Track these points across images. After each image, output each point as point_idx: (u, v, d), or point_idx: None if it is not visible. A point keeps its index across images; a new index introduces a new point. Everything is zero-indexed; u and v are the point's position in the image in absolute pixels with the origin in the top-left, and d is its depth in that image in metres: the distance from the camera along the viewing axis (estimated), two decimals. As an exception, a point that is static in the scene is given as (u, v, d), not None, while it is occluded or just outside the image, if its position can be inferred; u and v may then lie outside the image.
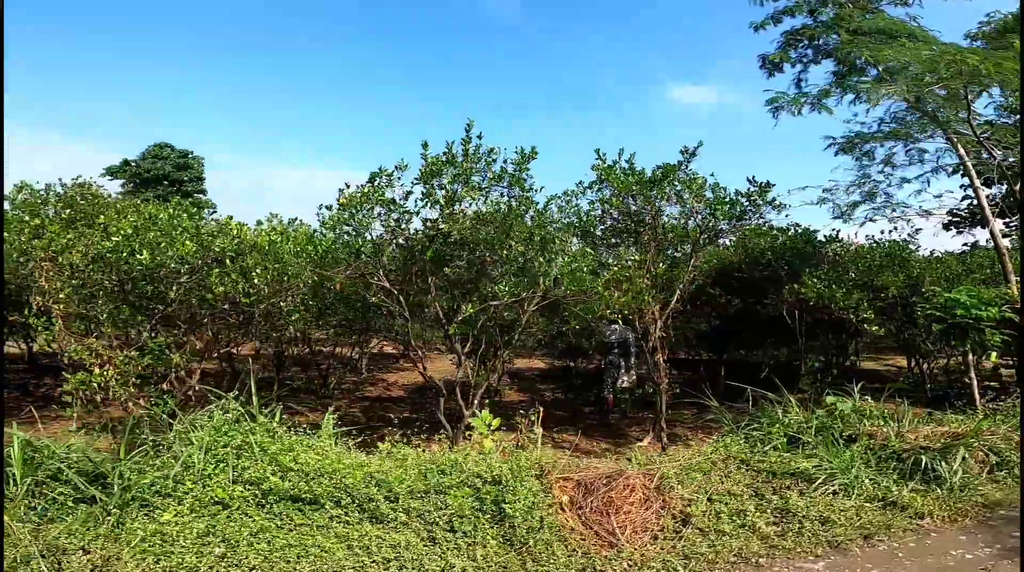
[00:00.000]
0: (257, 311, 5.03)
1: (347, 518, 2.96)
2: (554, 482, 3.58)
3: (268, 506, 2.97)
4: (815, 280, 7.22)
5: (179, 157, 25.49)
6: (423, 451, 3.95)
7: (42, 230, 5.16)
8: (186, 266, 4.68)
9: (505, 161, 4.83)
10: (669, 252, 7.14)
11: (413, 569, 2.68)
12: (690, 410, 7.79)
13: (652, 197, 6.18)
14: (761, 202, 6.29)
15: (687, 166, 6.16)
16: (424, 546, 2.83)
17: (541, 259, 5.08)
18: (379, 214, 4.86)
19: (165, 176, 24.48)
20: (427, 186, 4.79)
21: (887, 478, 4.05)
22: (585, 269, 5.16)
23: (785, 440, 4.68)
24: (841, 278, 7.38)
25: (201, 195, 25.92)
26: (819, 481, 3.88)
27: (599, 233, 6.80)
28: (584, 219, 6.46)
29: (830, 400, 5.64)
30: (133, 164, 24.88)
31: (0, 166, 3.31)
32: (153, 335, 4.98)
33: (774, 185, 6.34)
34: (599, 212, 6.55)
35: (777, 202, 6.34)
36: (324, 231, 4.89)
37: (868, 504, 3.74)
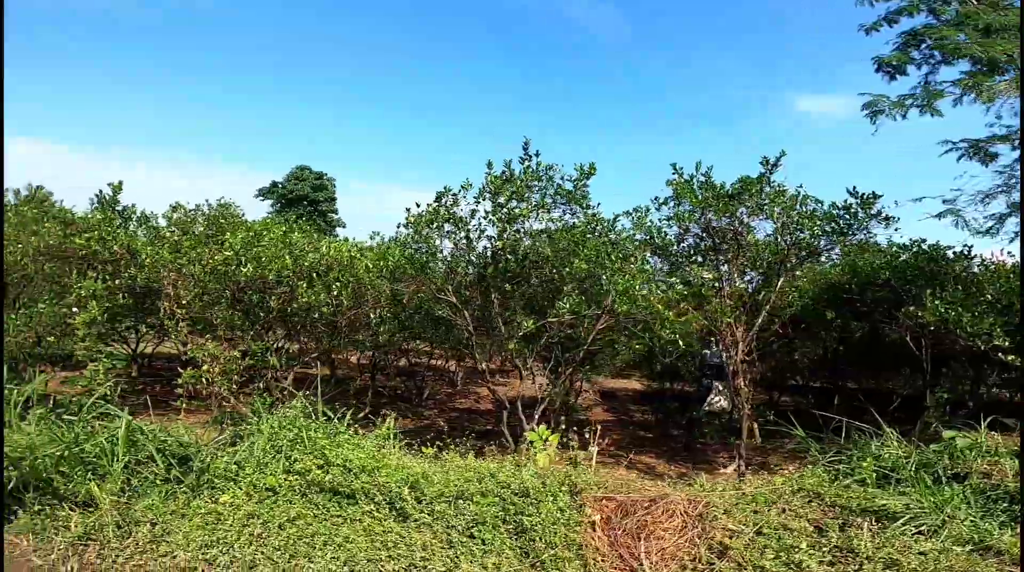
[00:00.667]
0: (342, 321, 5.49)
1: (377, 514, 3.14)
2: (590, 500, 3.52)
3: (309, 496, 3.25)
4: (937, 302, 6.38)
5: (315, 178, 28.27)
6: (477, 460, 4.07)
7: (180, 245, 6.04)
8: (284, 278, 5.24)
9: (563, 178, 4.88)
10: (752, 272, 6.72)
11: (421, 567, 2.79)
12: (792, 440, 7.17)
13: (737, 212, 5.89)
14: (865, 216, 5.75)
15: (770, 178, 5.81)
16: (440, 548, 2.93)
17: (604, 277, 5.04)
18: (448, 231, 5.11)
19: (304, 196, 27.26)
20: (494, 204, 4.97)
21: (990, 521, 3.49)
22: (641, 287, 5.03)
23: (875, 475, 4.20)
24: (972, 300, 6.45)
25: (333, 214, 28.46)
26: (901, 520, 3.44)
27: (675, 251, 6.57)
28: (658, 236, 6.29)
29: (947, 435, 4.97)
30: (279, 185, 28.03)
31: (0, 172, 3.92)
32: (257, 340, 5.61)
33: (880, 196, 5.77)
34: (676, 229, 6.34)
35: (884, 215, 5.76)
36: (398, 247, 5.25)
37: (956, 548, 3.25)
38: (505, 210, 4.91)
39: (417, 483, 3.35)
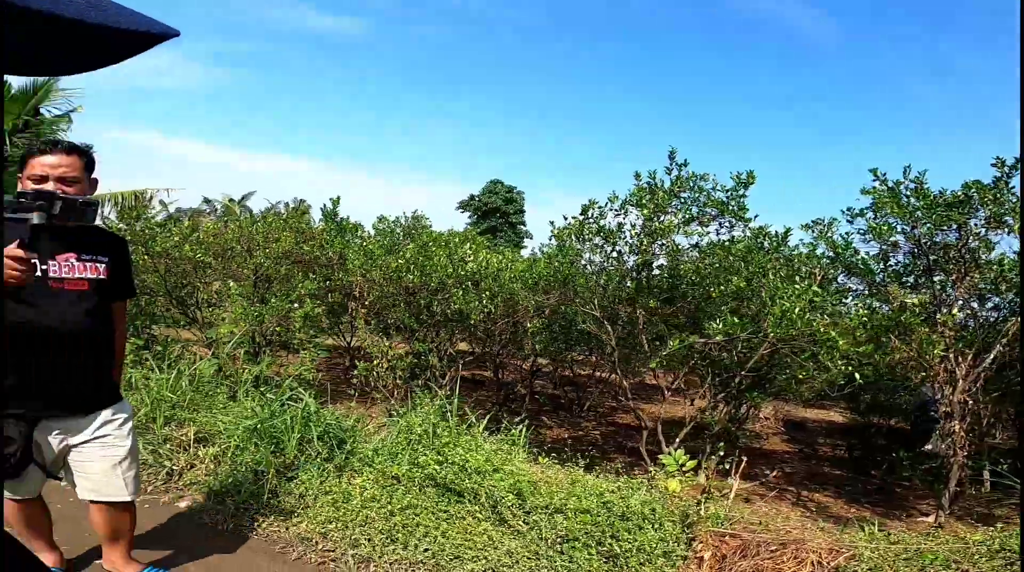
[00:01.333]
0: (495, 328, 5.82)
1: (479, 515, 3.31)
2: (706, 534, 3.26)
3: (425, 489, 3.54)
4: None
5: (507, 191, 29.98)
6: (599, 476, 4.03)
7: (372, 253, 6.98)
8: (443, 285, 5.75)
9: (714, 188, 4.55)
10: (995, 297, 5.45)
11: (501, 571, 2.87)
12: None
13: (969, 224, 4.90)
14: None
15: (1007, 182, 4.71)
16: (525, 557, 2.98)
17: (764, 295, 4.58)
18: (595, 245, 5.11)
19: (496, 209, 29.08)
20: (641, 217, 4.84)
21: None
22: (804, 311, 4.41)
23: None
24: None
25: (522, 226, 29.89)
26: None
27: (877, 269, 5.63)
28: (847, 252, 5.47)
29: None
30: (476, 198, 30.36)
31: (1, 171, 4.68)
32: (423, 340, 6.23)
33: None
34: (875, 245, 5.44)
35: None
36: (543, 259, 5.39)
37: None
38: (651, 223, 4.75)
39: (523, 491, 3.44)
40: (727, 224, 4.72)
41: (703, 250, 4.84)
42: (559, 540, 3.07)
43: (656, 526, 3.16)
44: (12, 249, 1.74)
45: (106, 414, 2.25)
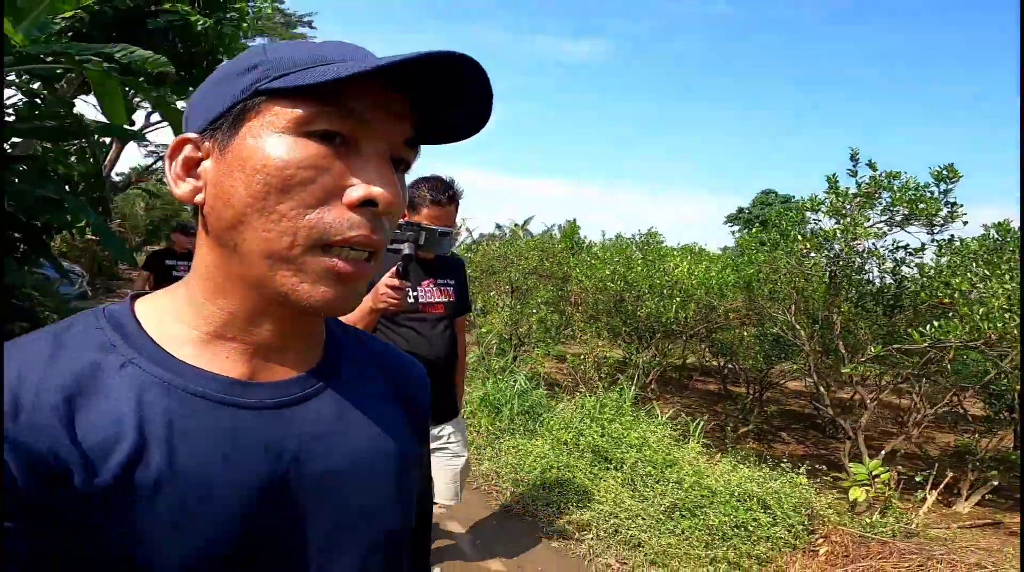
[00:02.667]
0: (693, 332, 6.12)
1: (618, 478, 3.92)
2: (827, 530, 3.30)
3: (584, 453, 4.28)
4: None
5: (781, 202, 27.51)
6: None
7: (594, 266, 7.93)
8: (642, 293, 6.34)
9: (912, 187, 4.22)
10: None
11: (617, 523, 3.45)
12: None
13: None
14: None
15: None
16: (641, 517, 3.49)
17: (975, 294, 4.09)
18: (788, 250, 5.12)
19: (767, 220, 26.84)
20: (837, 219, 4.74)
21: None
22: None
23: None
24: None
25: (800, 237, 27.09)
26: None
27: None
28: None
29: None
30: (745, 211, 28.60)
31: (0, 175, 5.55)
32: (630, 343, 6.86)
33: None
34: None
35: None
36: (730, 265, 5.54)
37: None
38: (841, 225, 4.61)
39: (659, 464, 3.94)
40: (928, 224, 4.30)
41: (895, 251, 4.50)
42: (671, 507, 3.50)
43: (772, 512, 3.33)
44: (389, 278, 1.84)
45: (449, 427, 2.36)
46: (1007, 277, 3.82)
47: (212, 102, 0.50)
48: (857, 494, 3.99)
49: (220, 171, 0.48)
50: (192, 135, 0.50)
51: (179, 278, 2.90)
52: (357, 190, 0.47)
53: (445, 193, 2.16)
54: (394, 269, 1.85)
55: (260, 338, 0.52)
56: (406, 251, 1.84)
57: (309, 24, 18.16)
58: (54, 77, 5.58)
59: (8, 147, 4.64)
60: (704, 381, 11.08)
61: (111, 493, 0.43)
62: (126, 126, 5.88)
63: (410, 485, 0.60)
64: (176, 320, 0.51)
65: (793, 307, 5.14)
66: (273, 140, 0.46)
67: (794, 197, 28.18)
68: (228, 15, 8.33)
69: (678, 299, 5.77)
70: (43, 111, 5.25)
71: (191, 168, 0.50)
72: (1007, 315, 3.63)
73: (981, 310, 3.72)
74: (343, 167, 0.47)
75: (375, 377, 0.61)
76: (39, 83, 5.51)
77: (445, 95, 0.49)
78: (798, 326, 5.02)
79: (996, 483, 5.09)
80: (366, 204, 0.47)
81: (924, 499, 4.50)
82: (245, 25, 8.66)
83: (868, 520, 3.49)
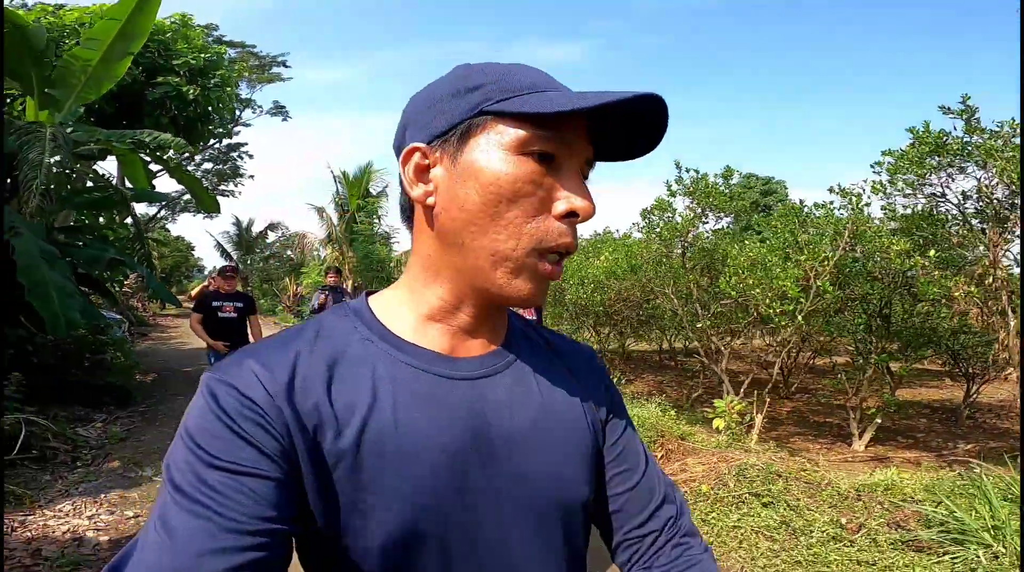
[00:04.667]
0: (614, 312, 7.88)
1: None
2: (666, 439, 5.07)
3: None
4: None
5: (763, 184, 29.29)
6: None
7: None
8: (571, 285, 8.10)
9: (702, 187, 6.00)
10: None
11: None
12: None
13: None
14: None
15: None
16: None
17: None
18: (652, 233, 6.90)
19: (755, 202, 28.69)
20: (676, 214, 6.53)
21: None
22: None
23: None
24: None
25: None
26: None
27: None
28: None
29: None
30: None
31: (1, 169, 5.56)
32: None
33: None
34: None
35: None
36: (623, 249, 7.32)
37: None
38: (683, 218, 6.42)
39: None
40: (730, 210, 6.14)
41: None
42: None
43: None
44: None
45: None
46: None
47: (437, 116, 0.59)
48: (718, 423, 5.70)
49: (453, 179, 0.57)
50: (421, 145, 0.59)
51: (226, 318, 5.47)
52: (564, 203, 0.57)
53: None
54: None
55: (460, 321, 0.62)
56: None
57: (283, 64, 19.90)
58: (93, 157, 7.36)
59: (51, 217, 6.23)
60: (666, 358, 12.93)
61: (354, 442, 0.55)
62: (149, 190, 7.70)
63: (587, 455, 0.66)
64: (398, 306, 0.63)
65: (670, 283, 6.89)
66: (503, 156, 0.56)
67: (774, 178, 29.93)
68: (213, 82, 10.07)
69: (591, 286, 7.53)
70: (91, 187, 7.04)
71: (422, 173, 0.59)
72: (777, 270, 5.40)
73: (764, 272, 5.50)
74: (552, 182, 0.57)
75: (551, 359, 0.70)
76: (80, 163, 7.24)
77: (627, 122, 0.58)
78: (674, 298, 6.79)
79: (879, 421, 6.73)
80: (570, 215, 0.57)
81: (753, 424, 6.24)
82: (229, 89, 10.41)
83: (712, 438, 5.19)
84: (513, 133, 0.56)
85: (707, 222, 6.40)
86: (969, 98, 4.44)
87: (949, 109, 4.53)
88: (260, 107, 19.83)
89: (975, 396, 8.55)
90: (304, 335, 0.59)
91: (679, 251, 6.50)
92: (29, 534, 3.32)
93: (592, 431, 0.68)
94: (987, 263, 4.55)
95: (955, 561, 2.84)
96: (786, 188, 29.59)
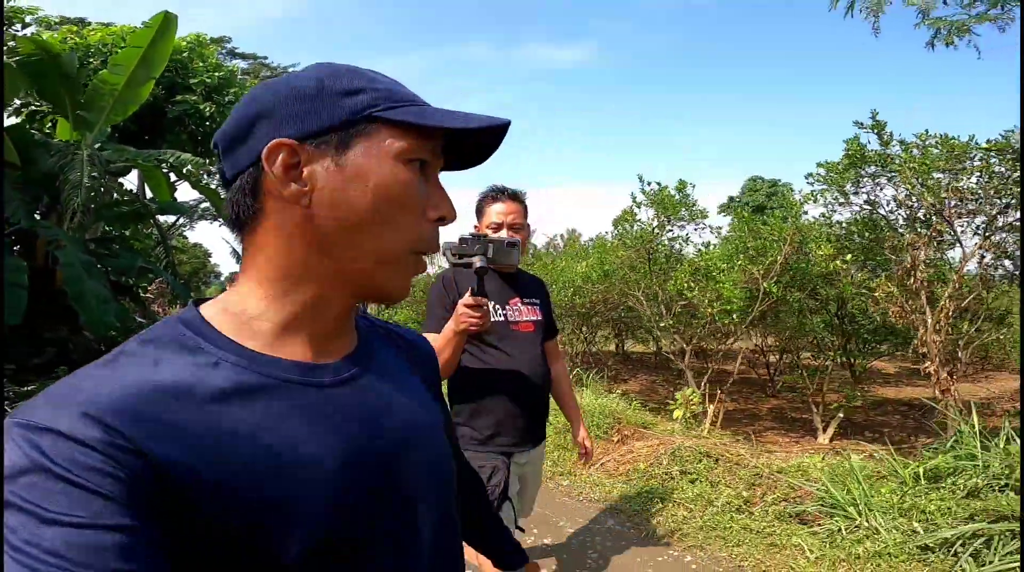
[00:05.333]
0: (592, 317, 8.57)
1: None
2: (623, 426, 5.77)
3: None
4: None
5: (769, 187, 29.74)
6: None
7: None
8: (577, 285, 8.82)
9: (658, 197, 6.68)
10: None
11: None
12: None
13: None
14: None
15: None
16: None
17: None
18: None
19: (760, 206, 29.14)
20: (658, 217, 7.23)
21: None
22: None
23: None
24: None
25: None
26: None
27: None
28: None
29: None
30: (736, 199, 30.89)
31: (1, 175, 5.54)
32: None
33: None
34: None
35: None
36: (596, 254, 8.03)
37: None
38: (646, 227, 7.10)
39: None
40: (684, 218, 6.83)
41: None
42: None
43: (594, 417, 5.77)
44: (465, 298, 1.81)
45: (541, 446, 2.30)
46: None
47: (309, 114, 0.57)
48: (677, 413, 6.37)
49: (336, 182, 0.57)
50: (288, 141, 0.56)
51: None
52: (437, 209, 0.62)
53: (504, 191, 2.21)
54: (469, 289, 1.83)
55: (321, 327, 0.61)
56: (478, 264, 1.82)
57: (293, 74, 20.81)
58: (120, 173, 8.21)
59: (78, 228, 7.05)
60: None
61: (232, 468, 0.50)
62: (171, 202, 8.54)
63: (450, 441, 0.73)
64: (247, 318, 0.58)
65: (641, 286, 7.55)
66: (391, 164, 0.58)
67: (780, 181, 30.33)
68: (227, 99, 10.93)
69: (571, 290, 8.24)
70: (120, 201, 7.88)
71: (289, 170, 0.57)
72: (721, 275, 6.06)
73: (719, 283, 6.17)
74: (425, 189, 0.61)
75: (397, 353, 0.73)
76: (108, 177, 8.07)
77: (474, 140, 0.65)
78: (643, 300, 7.46)
79: (841, 415, 7.32)
80: (439, 219, 0.62)
81: (714, 413, 6.89)
82: (243, 105, 11.27)
83: (671, 426, 5.87)
84: (400, 142, 0.58)
85: (671, 230, 7.07)
86: (878, 113, 5.08)
87: (862, 124, 5.17)
88: (273, 115, 20.77)
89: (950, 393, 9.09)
90: (137, 359, 0.53)
91: (645, 257, 7.19)
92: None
93: (443, 413, 0.76)
94: (907, 265, 5.18)
95: (823, 529, 3.49)
96: (792, 190, 29.93)
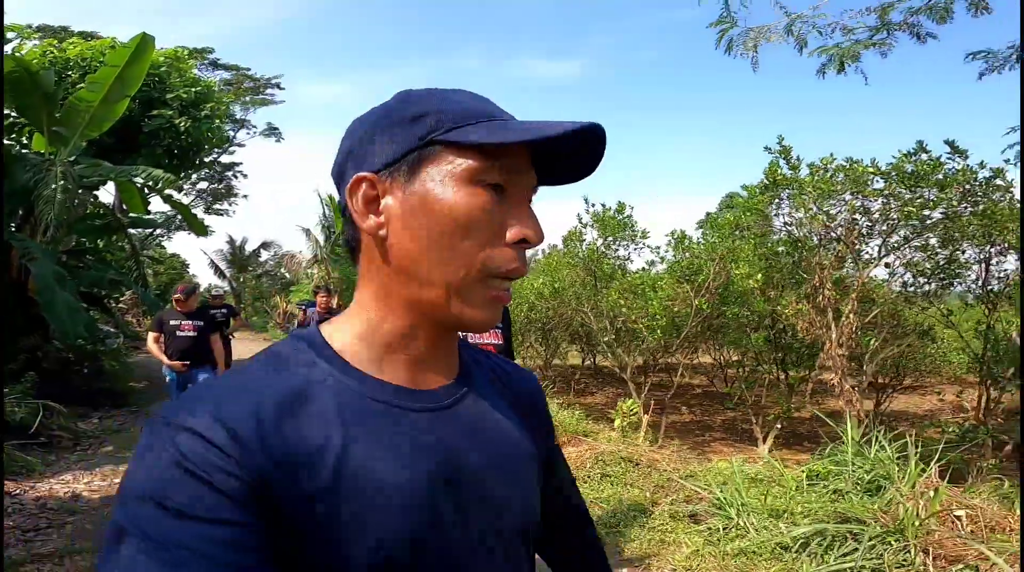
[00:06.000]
0: (548, 330, 9.05)
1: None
2: (567, 434, 6.24)
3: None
4: None
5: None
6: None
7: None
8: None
9: (601, 217, 7.20)
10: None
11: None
12: None
13: None
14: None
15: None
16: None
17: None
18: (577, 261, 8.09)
19: (738, 223, 30.01)
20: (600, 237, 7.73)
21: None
22: None
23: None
24: None
25: None
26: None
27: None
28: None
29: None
30: (713, 215, 31.76)
31: (1, 177, 5.82)
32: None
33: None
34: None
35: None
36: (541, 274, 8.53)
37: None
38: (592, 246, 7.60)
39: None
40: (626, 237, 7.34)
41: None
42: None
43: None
44: None
45: None
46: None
47: (383, 145, 0.60)
48: (618, 423, 6.82)
49: (405, 210, 0.58)
50: (368, 174, 0.60)
51: (184, 336, 5.82)
52: (516, 231, 0.59)
53: None
54: None
55: (417, 352, 0.63)
56: None
57: (277, 86, 21.24)
58: (94, 187, 8.61)
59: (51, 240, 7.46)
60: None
61: (326, 480, 0.53)
62: (144, 215, 8.95)
63: (536, 480, 0.71)
64: (354, 338, 0.62)
65: (589, 304, 8.04)
66: (454, 188, 0.57)
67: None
68: (203, 114, 11.34)
69: (526, 306, 8.72)
70: (94, 214, 8.28)
71: (371, 203, 0.60)
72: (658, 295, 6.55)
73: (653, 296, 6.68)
74: (502, 211, 0.59)
75: (500, 388, 0.73)
76: (82, 191, 8.46)
77: (569, 150, 0.61)
78: (591, 316, 7.94)
79: (780, 426, 7.79)
80: (520, 242, 0.60)
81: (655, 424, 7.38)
82: (218, 121, 11.67)
83: (611, 434, 6.32)
84: (464, 163, 0.58)
85: (617, 250, 7.59)
86: (783, 139, 5.62)
87: (770, 149, 5.71)
88: (254, 127, 21.13)
89: (886, 405, 9.60)
90: (261, 371, 0.58)
91: (592, 275, 7.69)
92: (37, 494, 4.51)
93: (538, 457, 0.73)
94: (815, 283, 5.71)
95: (707, 528, 3.95)
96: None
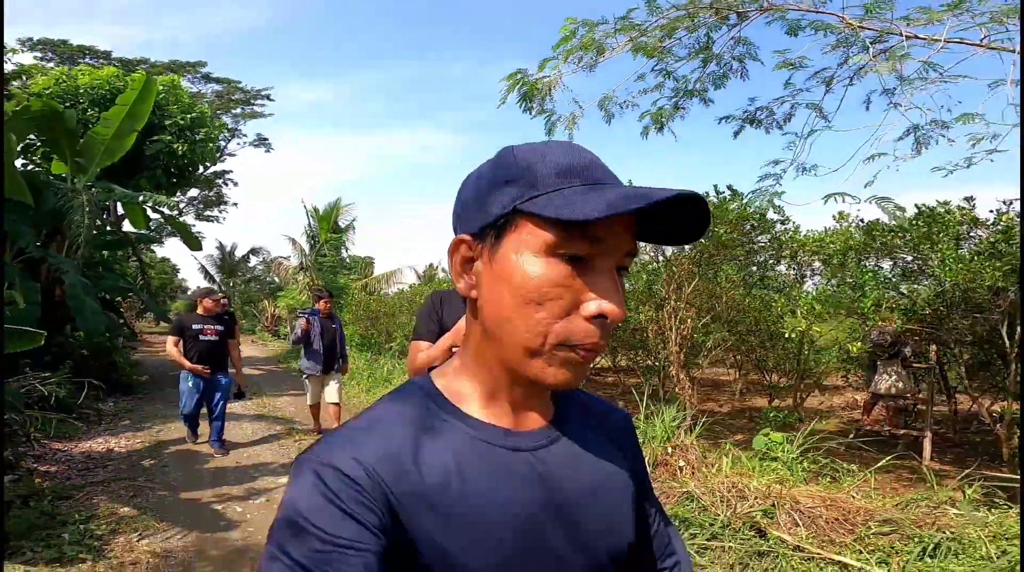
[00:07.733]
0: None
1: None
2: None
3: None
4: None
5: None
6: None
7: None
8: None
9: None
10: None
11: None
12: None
13: None
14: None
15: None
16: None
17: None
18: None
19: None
20: None
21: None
22: None
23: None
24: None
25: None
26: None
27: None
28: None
29: None
30: None
31: (1, 175, 6.24)
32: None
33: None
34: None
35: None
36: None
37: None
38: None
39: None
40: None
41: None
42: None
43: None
44: (461, 323, 2.09)
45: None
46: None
47: (479, 209, 0.65)
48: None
49: (489, 277, 0.64)
50: (467, 237, 0.66)
51: (207, 341, 7.13)
52: (592, 306, 0.61)
53: None
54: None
55: (516, 398, 0.69)
56: None
57: (267, 97, 22.86)
58: (104, 208, 10.42)
59: (74, 253, 9.29)
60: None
61: (443, 514, 0.61)
62: (146, 231, 10.79)
63: (631, 509, 0.76)
64: (462, 386, 0.70)
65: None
66: (530, 260, 0.61)
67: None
68: (198, 138, 13.10)
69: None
70: (105, 231, 10.10)
71: (466, 264, 0.66)
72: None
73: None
74: (582, 284, 0.61)
75: (592, 423, 0.79)
76: (97, 211, 10.25)
77: (668, 214, 0.62)
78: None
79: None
80: (599, 316, 0.61)
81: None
82: (211, 144, 13.44)
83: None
84: (541, 235, 0.60)
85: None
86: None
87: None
88: (244, 136, 22.90)
89: (801, 403, 11.10)
90: (389, 416, 0.66)
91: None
92: (80, 449, 6.31)
93: (633, 493, 0.78)
94: (663, 294, 7.50)
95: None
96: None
